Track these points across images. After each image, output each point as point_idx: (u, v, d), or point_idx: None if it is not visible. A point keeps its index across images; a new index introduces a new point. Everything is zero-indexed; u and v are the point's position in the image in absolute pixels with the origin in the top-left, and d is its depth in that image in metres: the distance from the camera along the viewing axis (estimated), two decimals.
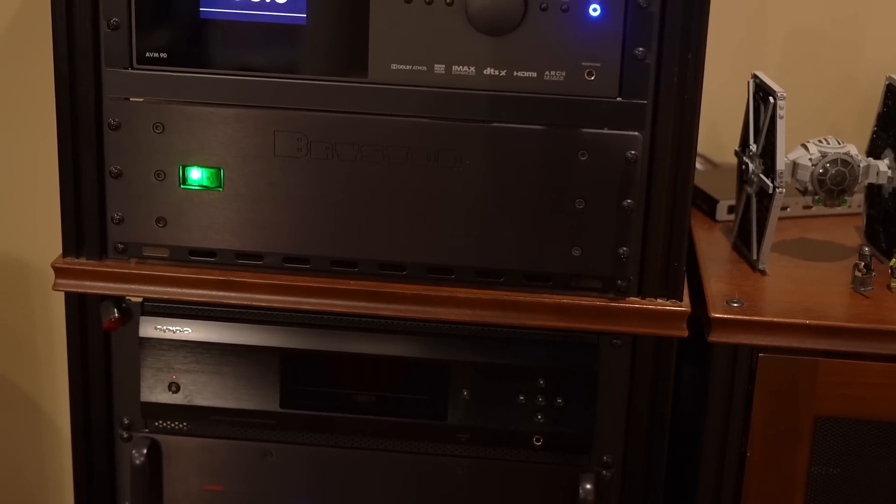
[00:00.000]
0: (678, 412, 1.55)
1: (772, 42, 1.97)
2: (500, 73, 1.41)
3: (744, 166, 1.62)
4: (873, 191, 1.67)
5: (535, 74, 1.41)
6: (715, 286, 1.54)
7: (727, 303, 1.49)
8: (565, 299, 1.47)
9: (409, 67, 1.42)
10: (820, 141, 1.57)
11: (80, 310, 1.55)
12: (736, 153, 1.65)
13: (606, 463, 1.54)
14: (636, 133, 1.42)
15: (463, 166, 1.44)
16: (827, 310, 1.49)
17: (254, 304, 1.50)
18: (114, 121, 1.46)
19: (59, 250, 1.53)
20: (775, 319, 1.46)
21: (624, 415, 1.52)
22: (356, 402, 1.54)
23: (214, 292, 1.50)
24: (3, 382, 2.20)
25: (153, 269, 1.51)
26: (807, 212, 1.77)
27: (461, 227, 1.46)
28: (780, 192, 1.53)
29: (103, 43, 1.44)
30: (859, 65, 1.96)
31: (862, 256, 1.54)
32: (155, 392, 1.55)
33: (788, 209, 1.75)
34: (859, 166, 1.57)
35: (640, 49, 1.39)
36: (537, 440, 1.52)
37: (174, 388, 1.54)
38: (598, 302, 1.47)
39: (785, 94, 1.52)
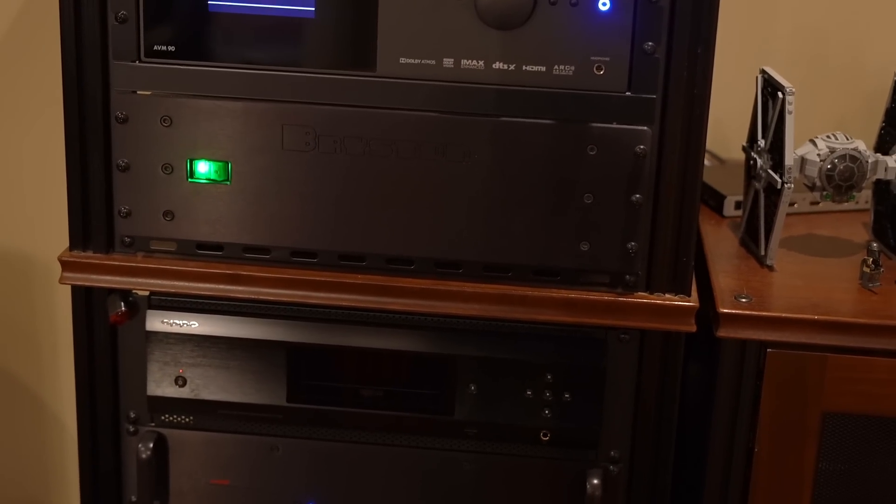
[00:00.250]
0: (686, 408, 1.55)
1: (778, 38, 1.96)
2: (508, 67, 1.41)
3: (752, 162, 1.62)
4: (881, 187, 1.67)
5: (543, 69, 1.40)
6: (723, 281, 1.53)
7: (735, 298, 1.49)
8: (573, 294, 1.47)
9: (417, 61, 1.41)
10: (828, 136, 1.57)
11: (87, 303, 1.54)
12: (744, 149, 1.65)
13: (614, 458, 1.54)
14: (645, 128, 1.41)
15: (471, 161, 1.44)
16: (835, 305, 1.49)
17: (261, 298, 1.50)
18: (121, 114, 1.46)
19: (63, 244, 1.52)
20: (783, 315, 1.46)
21: (631, 410, 1.52)
22: (363, 396, 1.54)
23: (221, 286, 1.50)
24: (5, 377, 2.19)
25: (160, 263, 1.50)
26: (814, 208, 1.77)
27: (469, 222, 1.46)
28: (789, 188, 1.53)
29: (111, 36, 1.44)
30: (867, 60, 1.95)
31: (870, 252, 1.54)
32: (161, 386, 1.54)
33: (796, 205, 1.74)
34: (868, 162, 1.57)
35: (650, 43, 1.39)
36: (544, 435, 1.52)
37: (181, 382, 1.54)
38: (606, 297, 1.47)
39: (794, 90, 1.52)
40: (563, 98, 1.41)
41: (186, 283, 1.50)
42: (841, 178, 1.56)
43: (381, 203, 1.46)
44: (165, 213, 1.49)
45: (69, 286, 1.53)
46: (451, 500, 1.57)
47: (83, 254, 1.51)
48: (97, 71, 1.45)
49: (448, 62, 1.41)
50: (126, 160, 1.48)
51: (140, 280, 1.51)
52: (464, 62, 1.41)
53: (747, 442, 1.51)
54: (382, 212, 1.47)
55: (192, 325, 1.53)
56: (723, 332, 1.47)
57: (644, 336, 1.49)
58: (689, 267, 1.46)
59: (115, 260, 1.51)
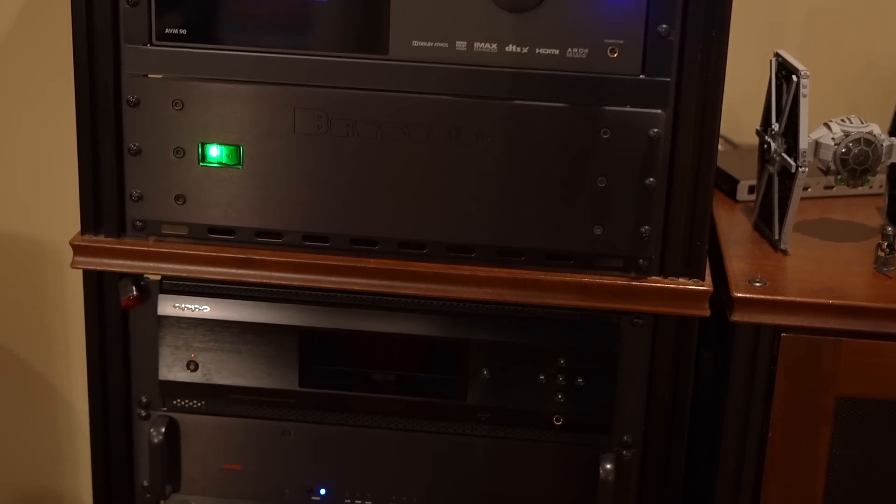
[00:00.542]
0: (699, 392, 1.55)
1: (793, 21, 1.95)
2: (522, 50, 1.40)
3: (766, 146, 1.61)
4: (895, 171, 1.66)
5: (557, 51, 1.40)
6: (736, 266, 1.53)
7: (749, 282, 1.48)
8: (586, 278, 1.46)
9: (430, 44, 1.41)
10: (843, 120, 1.56)
11: (98, 288, 1.54)
12: (757, 132, 1.64)
13: (627, 443, 1.53)
14: (659, 111, 1.41)
15: (484, 144, 1.43)
16: (850, 290, 1.48)
17: (273, 282, 1.50)
18: (133, 97, 1.46)
19: (73, 229, 1.52)
20: (798, 299, 1.45)
21: (645, 395, 1.51)
22: (375, 381, 1.53)
23: (233, 270, 1.49)
24: (17, 362, 2.20)
25: (172, 247, 1.50)
26: (828, 192, 1.76)
27: (481, 206, 1.45)
28: (804, 171, 1.52)
29: (122, 19, 1.43)
30: (880, 44, 1.94)
31: (885, 236, 1.53)
32: (173, 370, 1.54)
33: (809, 189, 1.74)
34: (882, 146, 1.56)
35: (664, 26, 1.38)
36: (557, 420, 1.52)
37: (192, 366, 1.54)
38: (620, 281, 1.46)
39: (808, 73, 1.51)
40: (577, 81, 1.40)
41: (198, 268, 1.50)
42: (855, 162, 1.55)
43: (394, 187, 1.46)
44: (177, 197, 1.48)
45: (80, 270, 1.53)
46: (463, 484, 1.57)
47: (94, 238, 1.51)
48: (108, 54, 1.45)
49: (461, 45, 1.40)
50: (137, 144, 1.47)
51: (151, 264, 1.51)
52: (477, 45, 1.40)
53: (761, 427, 1.50)
54: (394, 196, 1.46)
55: (203, 309, 1.52)
56: (737, 317, 1.46)
57: (657, 321, 1.49)
58: (703, 251, 1.46)
59: (127, 244, 1.50)
